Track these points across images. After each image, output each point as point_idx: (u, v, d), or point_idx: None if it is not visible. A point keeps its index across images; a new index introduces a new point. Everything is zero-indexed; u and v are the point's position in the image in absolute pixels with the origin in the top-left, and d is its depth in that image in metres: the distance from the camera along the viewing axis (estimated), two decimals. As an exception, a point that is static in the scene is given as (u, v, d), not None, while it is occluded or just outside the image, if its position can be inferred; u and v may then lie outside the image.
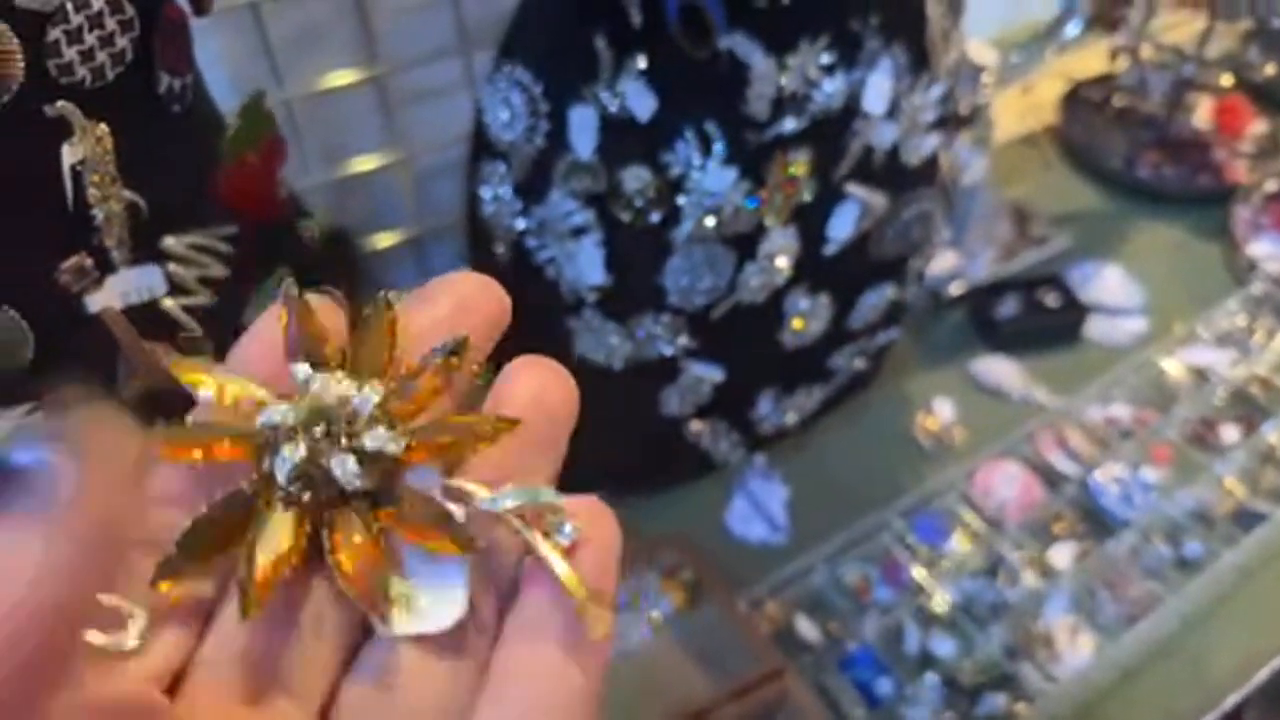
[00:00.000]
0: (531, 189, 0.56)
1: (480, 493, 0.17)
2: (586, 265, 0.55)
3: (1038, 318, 0.87)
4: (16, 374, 0.36)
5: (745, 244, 0.56)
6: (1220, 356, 0.85)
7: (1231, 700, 0.64)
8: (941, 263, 0.93)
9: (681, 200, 0.53)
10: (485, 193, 0.58)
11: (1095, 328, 0.90)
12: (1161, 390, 0.83)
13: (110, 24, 0.33)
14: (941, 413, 0.82)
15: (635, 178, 0.53)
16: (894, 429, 0.81)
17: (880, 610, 0.67)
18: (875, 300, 0.67)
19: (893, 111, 0.55)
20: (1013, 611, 0.66)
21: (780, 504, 0.75)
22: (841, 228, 0.58)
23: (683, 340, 0.60)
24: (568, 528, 0.17)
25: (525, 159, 0.55)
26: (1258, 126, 1.11)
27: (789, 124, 0.52)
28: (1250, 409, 0.81)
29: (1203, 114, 1.13)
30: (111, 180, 0.36)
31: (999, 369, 0.86)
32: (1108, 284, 0.94)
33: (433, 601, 0.18)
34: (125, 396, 0.39)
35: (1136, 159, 1.08)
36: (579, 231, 0.55)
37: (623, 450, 0.70)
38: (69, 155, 0.33)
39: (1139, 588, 0.68)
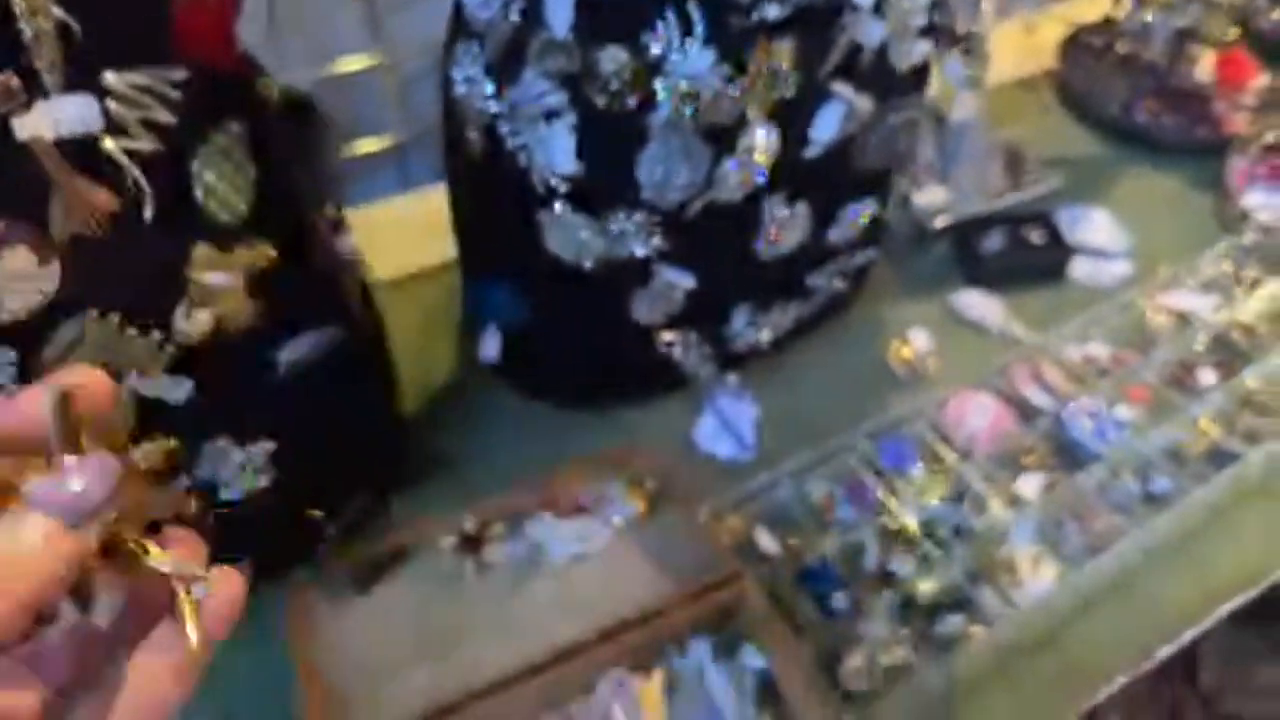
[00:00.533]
0: (505, 70, 0.54)
1: (154, 554, 0.24)
2: (558, 151, 0.54)
3: (1022, 254, 0.86)
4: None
5: (724, 137, 0.54)
6: (1203, 302, 0.84)
7: (1189, 635, 0.64)
8: (929, 195, 0.92)
9: (659, 84, 0.51)
10: (458, 75, 0.56)
11: (1080, 268, 0.89)
12: (1142, 332, 0.82)
13: None
14: (917, 342, 0.81)
15: (612, 59, 0.51)
16: (869, 355, 0.80)
17: (842, 528, 0.66)
18: (855, 215, 0.66)
19: (880, 8, 0.53)
20: (976, 537, 0.66)
21: (749, 423, 0.74)
22: (825, 128, 0.56)
23: (656, 241, 0.59)
24: (201, 588, 0.24)
25: (500, 38, 0.53)
26: (1260, 80, 1.09)
27: (773, 9, 0.49)
28: (1230, 354, 0.80)
29: (1205, 66, 1.10)
30: (39, -4, 0.33)
31: (979, 303, 0.85)
32: (1096, 226, 0.92)
33: None
34: (59, 238, 0.38)
35: (1135, 106, 1.06)
36: (551, 115, 0.53)
37: (592, 358, 0.69)
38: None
39: (1105, 521, 0.68)
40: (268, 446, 0.51)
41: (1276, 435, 0.72)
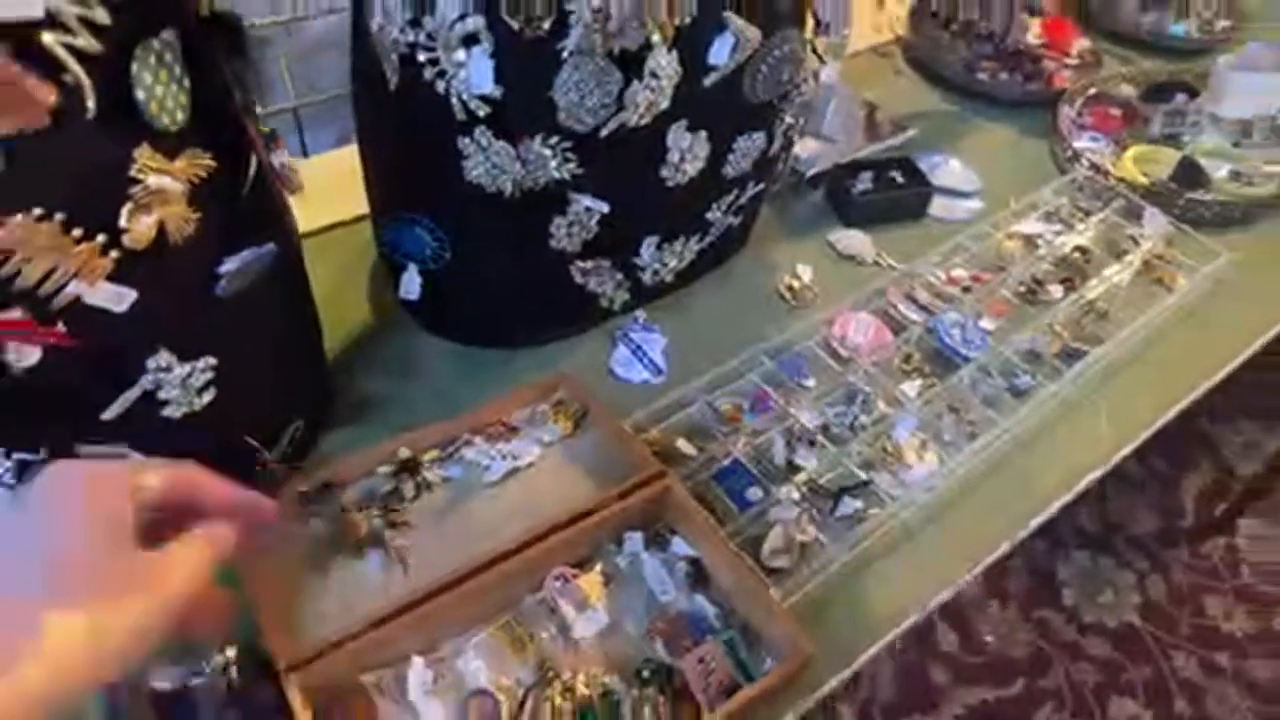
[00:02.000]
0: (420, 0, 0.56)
1: None
2: (477, 75, 0.57)
3: (888, 193, 0.95)
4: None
5: (632, 63, 0.59)
6: (1047, 229, 0.95)
7: (1055, 506, 0.73)
8: (803, 148, 1.00)
9: (572, 7, 0.55)
10: (374, 9, 0.58)
11: (939, 206, 0.99)
12: (997, 255, 0.92)
13: None
14: (803, 275, 0.88)
15: (526, -13, 0.54)
16: (760, 289, 0.87)
17: (750, 432, 0.72)
18: (747, 146, 0.72)
19: (766, -56, 0.60)
20: (867, 432, 0.73)
21: (659, 351, 0.79)
22: (719, 55, 0.62)
23: (571, 167, 0.63)
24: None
25: (414, -31, 0.56)
26: (1081, 42, 1.23)
27: (671, -61, 0.55)
28: (1072, 271, 0.91)
29: (1033, 32, 1.24)
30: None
31: (854, 240, 0.93)
32: (949, 170, 1.03)
33: None
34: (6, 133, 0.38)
35: (975, 67, 1.18)
36: (470, 40, 0.56)
37: (512, 292, 0.72)
38: None
39: (978, 413, 0.77)
40: (210, 362, 0.52)
41: (1114, 336, 0.83)
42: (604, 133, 0.61)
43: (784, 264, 0.90)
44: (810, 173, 0.98)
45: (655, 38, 0.58)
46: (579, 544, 0.62)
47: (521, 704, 0.56)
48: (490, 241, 0.68)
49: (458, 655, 0.58)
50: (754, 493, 0.68)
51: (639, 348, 0.79)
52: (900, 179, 0.97)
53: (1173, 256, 0.92)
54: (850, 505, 0.69)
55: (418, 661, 0.56)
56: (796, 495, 0.68)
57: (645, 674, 0.57)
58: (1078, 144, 1.05)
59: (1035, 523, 0.71)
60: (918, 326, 0.82)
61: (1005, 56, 1.19)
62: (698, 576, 0.63)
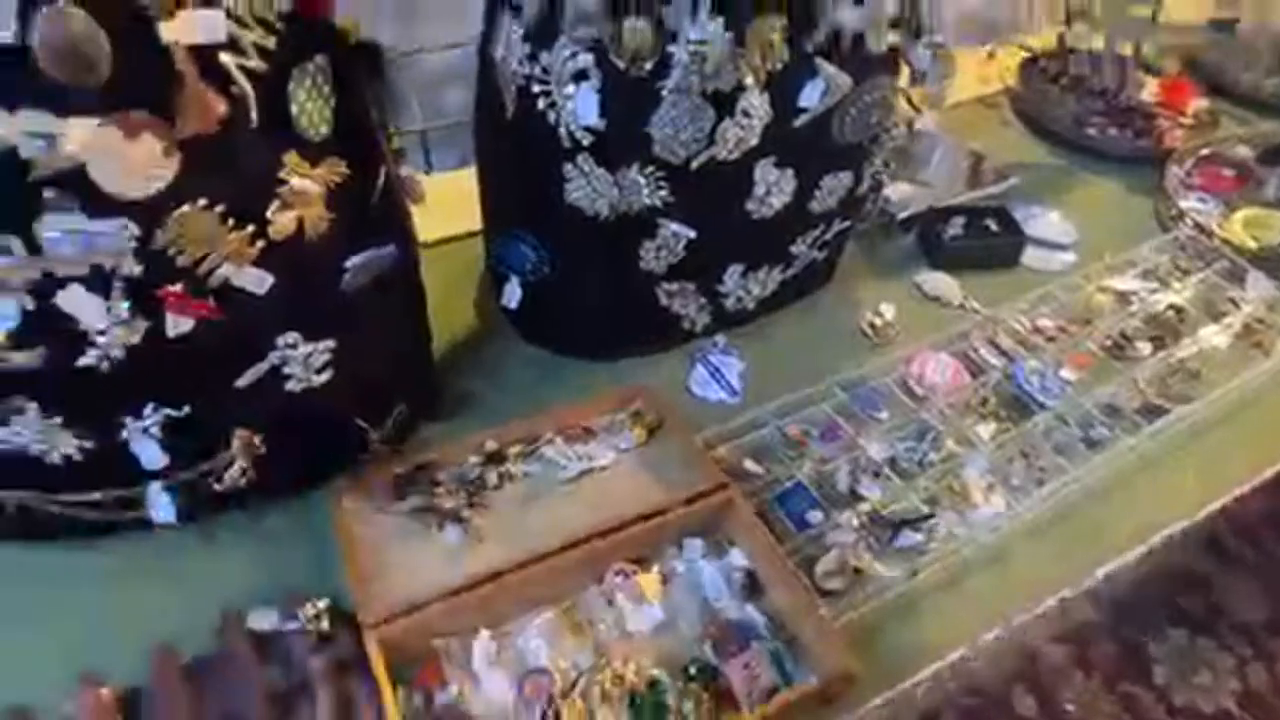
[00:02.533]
0: (540, 37, 0.63)
1: None
2: (584, 108, 0.63)
3: (980, 239, 0.96)
4: (90, 89, 0.43)
5: (725, 102, 0.64)
6: (1142, 286, 0.94)
7: (1128, 557, 0.72)
8: (898, 191, 1.02)
9: (673, 50, 0.60)
10: (497, 44, 0.65)
11: (1033, 257, 0.99)
12: (1086, 308, 0.92)
13: None
14: (886, 314, 0.90)
15: (634, 28, 0.60)
16: (842, 325, 0.90)
17: (817, 458, 0.75)
18: (833, 185, 0.76)
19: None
20: (935, 468, 0.75)
21: (736, 374, 0.83)
22: (809, 99, 0.66)
23: (662, 194, 0.68)
24: None
25: (537, 8, 0.63)
26: (1198, 103, 1.21)
27: (770, -9, 0.60)
28: (1164, 330, 0.90)
29: (1150, 91, 1.23)
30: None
31: (941, 282, 0.95)
32: (1047, 222, 1.03)
33: None
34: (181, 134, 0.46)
35: (1085, 122, 1.17)
36: (580, 76, 0.62)
37: (603, 307, 0.77)
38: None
39: (1049, 460, 0.77)
40: (330, 345, 0.59)
41: (1204, 396, 0.82)
42: (694, 165, 0.66)
43: (868, 301, 0.92)
44: (903, 215, 1.00)
45: (749, 80, 0.63)
46: (642, 543, 0.66)
47: (573, 684, 0.60)
48: (585, 259, 0.74)
49: (520, 633, 0.62)
50: (814, 516, 0.71)
51: (717, 369, 0.83)
52: (994, 227, 0.98)
53: (1274, 321, 0.90)
54: (910, 538, 0.70)
55: (484, 634, 0.61)
56: (856, 522, 0.70)
57: (692, 671, 0.60)
58: (1184, 203, 1.04)
59: (1102, 572, 0.71)
60: (997, 371, 0.83)
61: (1116, 112, 1.18)
62: (752, 587, 0.66)
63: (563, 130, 0.65)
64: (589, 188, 0.67)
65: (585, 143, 0.65)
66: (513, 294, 0.79)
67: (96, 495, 0.60)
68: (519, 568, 0.62)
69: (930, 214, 1.00)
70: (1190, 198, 1.06)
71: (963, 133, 1.15)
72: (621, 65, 0.61)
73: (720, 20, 0.59)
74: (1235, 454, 0.79)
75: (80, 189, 0.45)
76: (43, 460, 0.56)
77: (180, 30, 0.44)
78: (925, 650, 0.65)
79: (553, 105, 0.64)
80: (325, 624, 0.59)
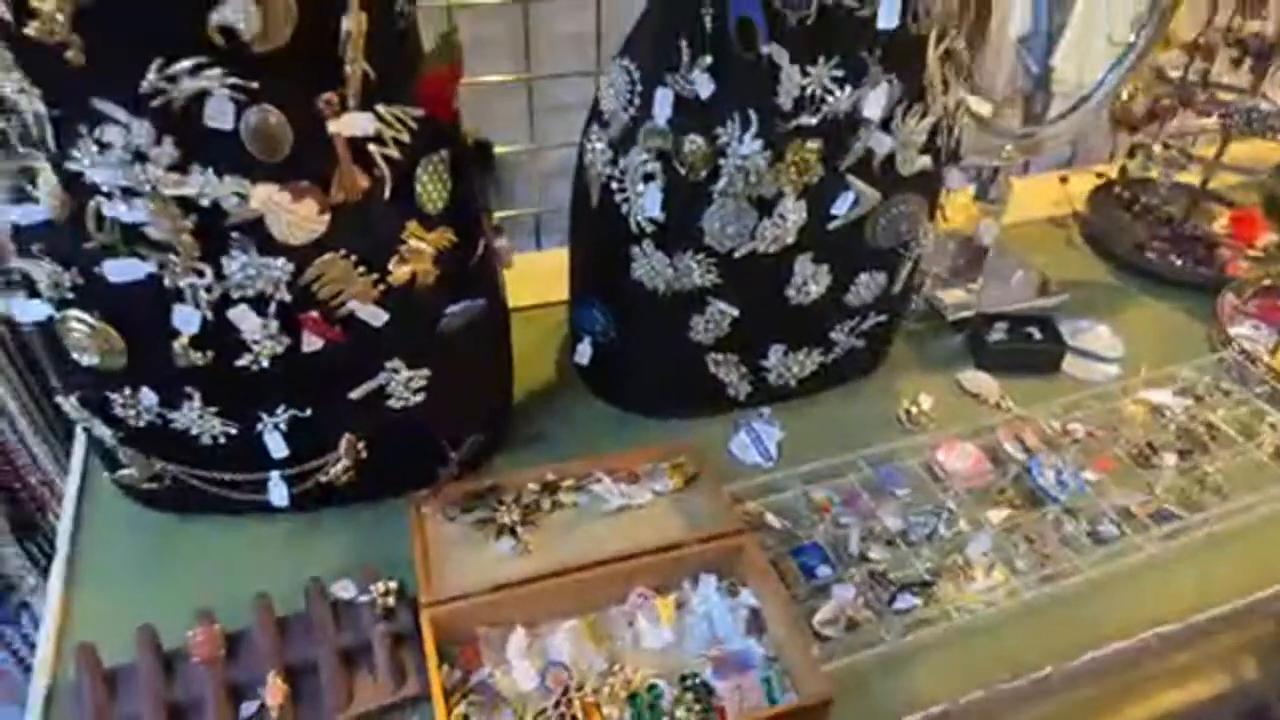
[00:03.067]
0: (621, 145, 0.78)
1: None
2: (650, 203, 0.77)
3: (1022, 344, 1.04)
4: (274, 163, 0.59)
5: (766, 205, 0.76)
6: (1177, 402, 0.99)
7: (1112, 647, 0.77)
8: (950, 295, 1.11)
9: (723, 162, 0.74)
10: (589, 148, 0.81)
11: (1077, 366, 1.05)
12: (1118, 418, 0.97)
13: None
14: (923, 404, 0.99)
15: (693, 144, 0.74)
16: (881, 410, 0.99)
17: (834, 522, 0.83)
18: (868, 282, 0.86)
19: (889, 127, 0.76)
20: (943, 542, 0.82)
21: (774, 442, 0.93)
22: (841, 207, 0.78)
23: (711, 276, 0.81)
24: None
25: (620, 124, 0.77)
26: (1269, 237, 1.25)
27: (806, 118, 0.72)
28: (1193, 444, 0.94)
29: (1221, 223, 1.28)
30: (357, 53, 0.59)
31: (981, 381, 1.02)
32: (1095, 334, 1.09)
33: None
34: (333, 200, 0.62)
35: (1147, 246, 1.24)
36: (649, 178, 0.76)
37: (658, 370, 0.90)
38: (344, 24, 0.56)
39: (1054, 548, 0.83)
40: (425, 373, 0.73)
41: (1221, 507, 0.86)
42: (738, 254, 0.78)
43: (909, 391, 1.01)
44: (953, 317, 1.09)
45: (787, 189, 0.75)
46: (662, 572, 0.76)
47: (588, 682, 0.70)
48: (644, 328, 0.86)
49: (550, 634, 0.73)
50: (824, 571, 0.79)
51: (758, 436, 0.93)
52: (1037, 334, 1.05)
53: (1307, 447, 0.93)
54: (909, 601, 0.78)
55: (519, 630, 0.72)
56: (859, 580, 0.78)
57: (689, 682, 0.69)
58: (1236, 330, 1.08)
59: (1087, 656, 0.76)
60: (1016, 465, 0.90)
61: (1181, 239, 1.24)
62: (756, 624, 0.75)
63: (632, 220, 0.79)
64: (650, 268, 0.80)
65: (649, 231, 0.79)
66: (584, 352, 0.92)
67: (230, 476, 0.76)
68: (553, 576, 0.73)
69: (979, 318, 1.08)
70: (1244, 324, 1.10)
71: (1030, 247, 1.23)
72: (681, 171, 0.75)
73: (761, 141, 0.72)
74: (1245, 571, 0.82)
75: (257, 234, 0.61)
76: (197, 440, 0.72)
77: (341, 126, 0.60)
78: (908, 701, 0.71)
79: (626, 199, 0.79)
80: (391, 600, 0.71)
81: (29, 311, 0.65)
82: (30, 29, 0.50)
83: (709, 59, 0.71)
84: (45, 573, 1.18)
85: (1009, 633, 0.77)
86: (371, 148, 0.63)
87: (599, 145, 0.80)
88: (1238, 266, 1.20)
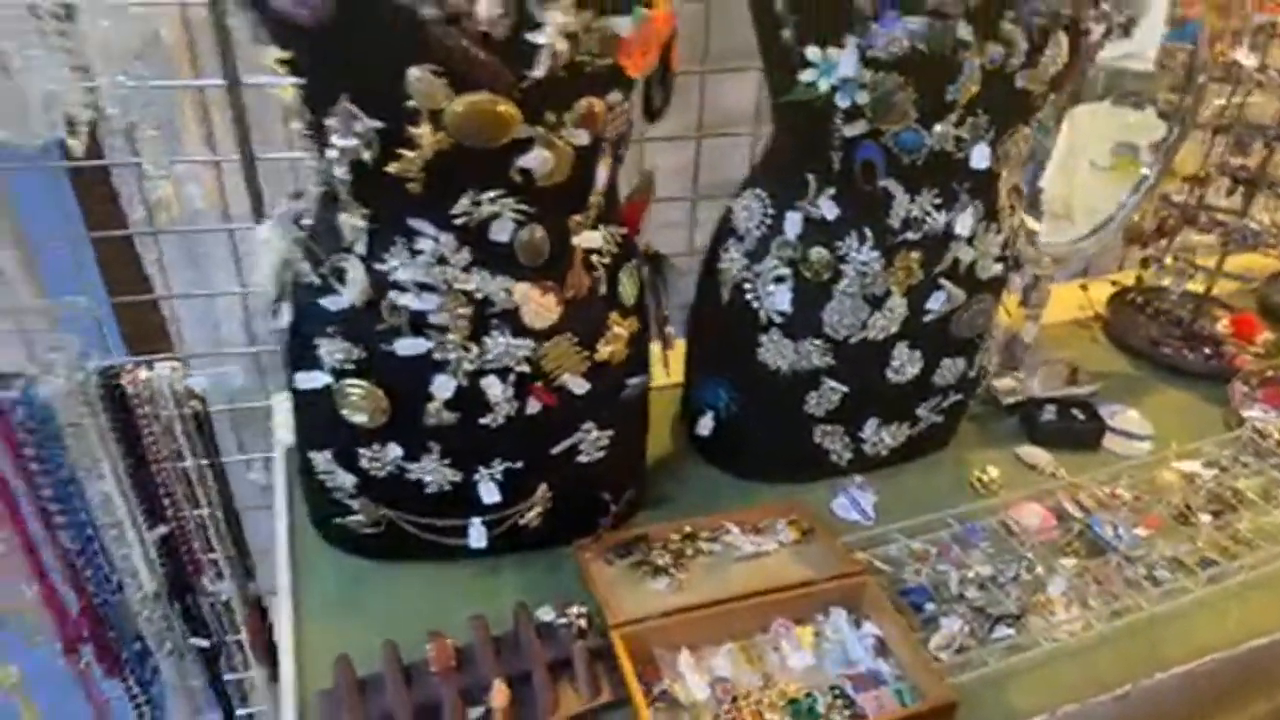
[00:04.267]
0: (754, 255, 0.97)
1: None
2: (780, 300, 0.95)
3: (1068, 424, 1.21)
4: (532, 266, 0.77)
5: (876, 301, 0.95)
6: (1206, 471, 1.16)
7: (1177, 670, 0.91)
8: (1004, 383, 1.29)
9: (843, 268, 0.93)
10: (724, 255, 1.00)
11: (1115, 443, 1.23)
12: (1157, 485, 1.14)
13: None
14: (991, 473, 1.15)
15: (818, 254, 0.93)
16: (956, 477, 1.15)
17: (933, 569, 0.99)
18: (950, 366, 1.05)
19: (972, 242, 0.95)
20: (1025, 584, 0.97)
21: (871, 504, 1.09)
22: (934, 304, 0.97)
23: (827, 359, 0.98)
24: None
25: (754, 238, 0.97)
26: (1265, 335, 1.45)
27: (910, 234, 0.92)
28: (1224, 506, 1.11)
29: (1223, 323, 1.48)
30: (600, 189, 0.78)
31: (1037, 455, 1.19)
32: (1127, 417, 1.27)
33: None
34: (564, 295, 0.80)
35: (1162, 343, 1.43)
36: (779, 280, 0.95)
37: (774, 441, 1.06)
38: (599, 169, 0.76)
39: (1120, 589, 0.98)
40: (609, 434, 0.90)
41: (1253, 556, 1.02)
42: (851, 341, 0.97)
43: (977, 463, 1.18)
44: (1008, 402, 1.27)
45: (894, 289, 0.94)
46: (798, 606, 0.91)
47: (749, 694, 0.84)
48: (765, 403, 1.04)
49: (712, 655, 0.87)
50: (929, 607, 0.94)
51: (854, 499, 1.09)
52: (1080, 415, 1.23)
53: (1317, 507, 1.10)
54: (1004, 631, 0.92)
55: (685, 651, 0.87)
56: (963, 614, 0.93)
57: (836, 691, 0.83)
58: (1247, 413, 1.27)
59: (1159, 676, 0.90)
60: (1078, 522, 1.06)
61: (1191, 338, 1.43)
62: (882, 649, 0.89)
63: (762, 314, 0.97)
64: (776, 352, 0.99)
65: (777, 322, 0.97)
66: (706, 425, 1.09)
67: (441, 521, 0.91)
68: (712, 606, 0.88)
69: (1030, 403, 1.26)
70: (1254, 408, 1.29)
71: (1059, 343, 1.42)
72: (807, 275, 0.94)
73: (876, 252, 0.92)
74: (1277, 604, 0.98)
75: (511, 321, 0.79)
76: (423, 488, 0.87)
77: (582, 240, 0.79)
78: (1011, 714, 0.85)
79: (757, 297, 0.97)
80: (584, 623, 0.86)
81: (311, 380, 0.82)
82: (391, 167, 0.69)
83: (833, 189, 0.92)
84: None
85: (1089, 658, 0.92)
86: (594, 257, 0.81)
87: (735, 254, 0.99)
88: (1243, 360, 1.39)
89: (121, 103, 0.98)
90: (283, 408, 1.17)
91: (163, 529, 1.22)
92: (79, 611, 1.27)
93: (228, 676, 1.46)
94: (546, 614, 0.87)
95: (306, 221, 0.81)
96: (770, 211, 0.96)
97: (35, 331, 1.23)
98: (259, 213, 1.16)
